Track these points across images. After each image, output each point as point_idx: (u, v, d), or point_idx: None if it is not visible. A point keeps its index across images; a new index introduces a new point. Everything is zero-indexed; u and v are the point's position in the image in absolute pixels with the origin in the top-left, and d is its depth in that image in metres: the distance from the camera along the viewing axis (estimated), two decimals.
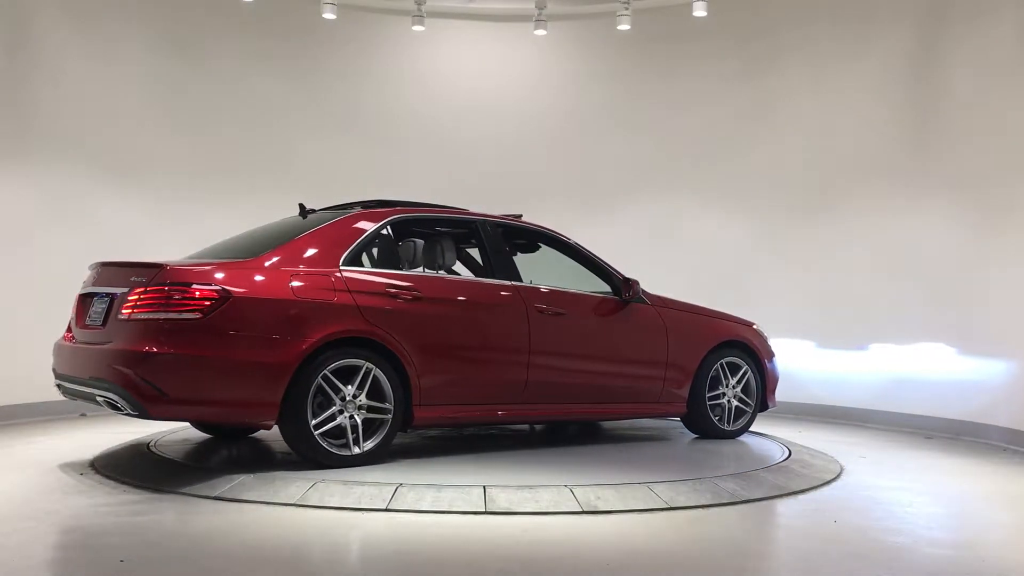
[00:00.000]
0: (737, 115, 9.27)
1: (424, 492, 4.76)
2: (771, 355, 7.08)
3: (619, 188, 9.60)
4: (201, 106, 8.89)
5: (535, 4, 9.09)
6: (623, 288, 6.33)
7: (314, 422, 5.08)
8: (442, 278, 5.89)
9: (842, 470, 5.99)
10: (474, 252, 6.66)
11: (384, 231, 5.78)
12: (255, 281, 5.10)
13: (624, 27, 8.99)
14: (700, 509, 4.80)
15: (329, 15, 8.77)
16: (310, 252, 5.34)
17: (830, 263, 8.71)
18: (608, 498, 4.80)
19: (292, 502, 4.65)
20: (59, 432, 6.98)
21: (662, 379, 6.46)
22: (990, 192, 7.56)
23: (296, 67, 9.34)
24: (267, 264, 5.21)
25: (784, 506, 5.04)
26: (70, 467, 5.60)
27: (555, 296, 6.11)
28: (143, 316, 4.92)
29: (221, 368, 4.93)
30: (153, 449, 5.87)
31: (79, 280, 5.77)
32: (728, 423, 6.76)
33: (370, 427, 5.31)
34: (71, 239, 7.95)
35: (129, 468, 5.41)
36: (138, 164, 8.52)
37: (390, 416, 5.32)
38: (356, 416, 5.21)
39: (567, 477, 5.13)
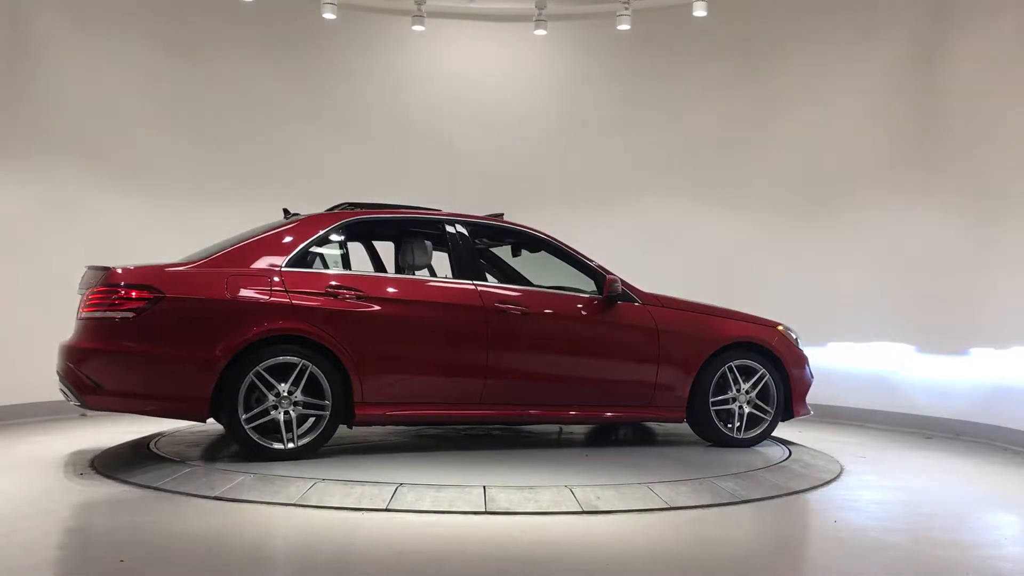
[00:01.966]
0: (738, 114, 9.26)
1: (424, 492, 4.76)
2: (799, 359, 6.57)
3: (620, 188, 9.59)
4: (201, 106, 8.89)
5: (535, 4, 9.09)
6: (602, 285, 6.13)
7: (245, 416, 5.32)
8: (389, 277, 5.95)
9: (842, 470, 5.99)
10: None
11: (336, 234, 5.93)
12: (191, 282, 5.40)
13: (624, 27, 8.99)
14: (700, 509, 4.80)
15: (329, 15, 8.76)
16: (255, 253, 5.58)
17: (831, 263, 8.70)
18: (608, 498, 4.81)
19: (292, 502, 4.66)
20: (59, 432, 6.98)
21: (652, 383, 6.17)
22: (992, 192, 7.55)
23: (296, 67, 9.34)
24: (209, 265, 5.49)
25: (784, 506, 5.04)
26: (70, 467, 5.61)
27: (520, 295, 6.01)
28: (89, 315, 5.35)
29: (152, 364, 5.29)
30: (153, 449, 5.88)
31: (78, 280, 5.83)
32: (740, 430, 6.32)
33: (311, 422, 5.52)
34: (71, 239, 7.96)
35: (129, 468, 5.40)
36: (138, 164, 8.52)
37: (327, 413, 5.48)
38: (291, 412, 5.40)
39: (567, 477, 5.14)
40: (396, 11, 9.44)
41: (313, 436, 5.48)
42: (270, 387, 5.37)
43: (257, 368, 5.34)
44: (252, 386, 5.35)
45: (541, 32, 9.26)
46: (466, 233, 6.10)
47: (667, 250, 9.36)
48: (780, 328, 6.61)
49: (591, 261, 6.33)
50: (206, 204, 8.75)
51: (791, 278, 8.85)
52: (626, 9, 8.92)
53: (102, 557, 3.84)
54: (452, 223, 6.12)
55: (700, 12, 8.73)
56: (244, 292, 5.40)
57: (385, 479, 4.95)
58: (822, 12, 8.86)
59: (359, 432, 6.68)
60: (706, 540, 4.35)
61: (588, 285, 6.27)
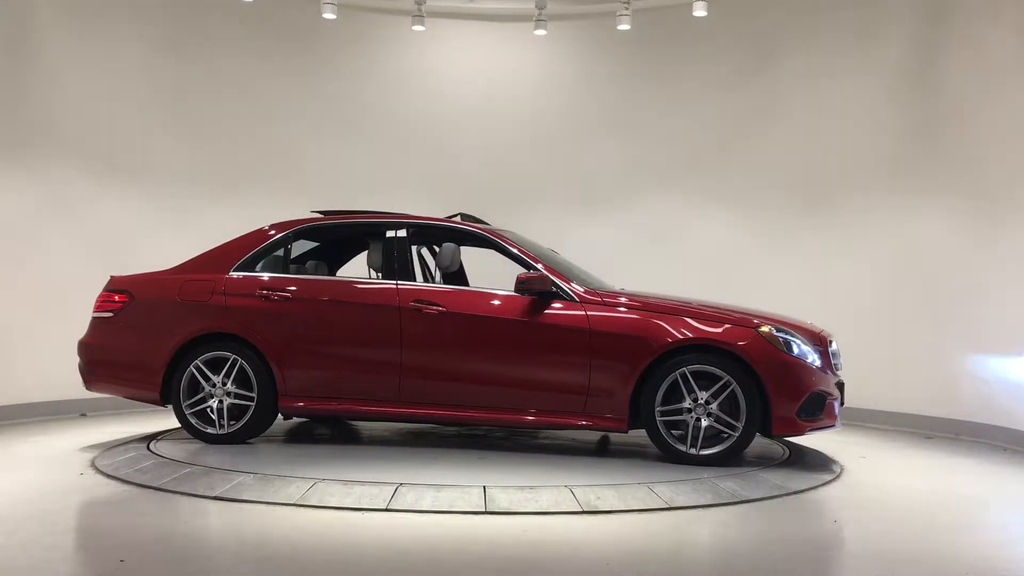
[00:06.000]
0: (738, 114, 9.25)
1: (424, 492, 4.77)
2: (786, 367, 5.58)
3: (619, 188, 9.58)
4: (201, 107, 8.88)
5: (535, 4, 9.08)
6: (517, 283, 5.86)
7: (186, 403, 6.06)
8: (314, 279, 6.30)
9: (842, 470, 5.99)
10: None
11: (284, 241, 6.37)
12: (157, 286, 6.31)
13: (624, 27, 8.98)
14: (700, 509, 4.80)
15: (329, 15, 8.76)
16: (212, 260, 6.32)
17: (831, 262, 8.70)
18: (608, 498, 4.81)
19: (292, 502, 4.66)
20: (59, 432, 6.98)
21: (583, 387, 5.70)
22: (993, 193, 7.55)
23: (296, 67, 9.33)
24: (179, 271, 6.35)
25: (784, 506, 5.04)
26: (70, 467, 5.61)
27: (440, 294, 6.00)
28: (93, 315, 6.40)
29: (121, 356, 6.30)
30: (153, 449, 5.89)
31: (79, 281, 5.93)
32: (694, 446, 5.58)
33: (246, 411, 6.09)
34: (71, 240, 7.96)
35: (129, 468, 5.41)
36: (139, 165, 8.51)
37: (254, 403, 6.03)
38: (224, 401, 6.04)
39: (567, 477, 5.14)
40: (396, 11, 9.44)
41: (241, 424, 6.04)
42: (207, 378, 6.04)
43: (196, 361, 6.05)
44: (189, 377, 6.07)
45: (541, 32, 9.26)
46: (403, 235, 6.22)
47: (667, 249, 9.35)
48: (764, 330, 5.63)
49: (527, 256, 6.03)
50: (206, 204, 8.75)
51: (790, 277, 8.84)
52: (626, 9, 8.92)
53: (102, 557, 3.85)
54: (392, 226, 6.27)
55: (700, 12, 8.72)
56: (193, 295, 6.18)
57: (385, 479, 4.95)
58: (822, 12, 8.85)
59: (359, 431, 6.69)
60: (706, 540, 4.35)
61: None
